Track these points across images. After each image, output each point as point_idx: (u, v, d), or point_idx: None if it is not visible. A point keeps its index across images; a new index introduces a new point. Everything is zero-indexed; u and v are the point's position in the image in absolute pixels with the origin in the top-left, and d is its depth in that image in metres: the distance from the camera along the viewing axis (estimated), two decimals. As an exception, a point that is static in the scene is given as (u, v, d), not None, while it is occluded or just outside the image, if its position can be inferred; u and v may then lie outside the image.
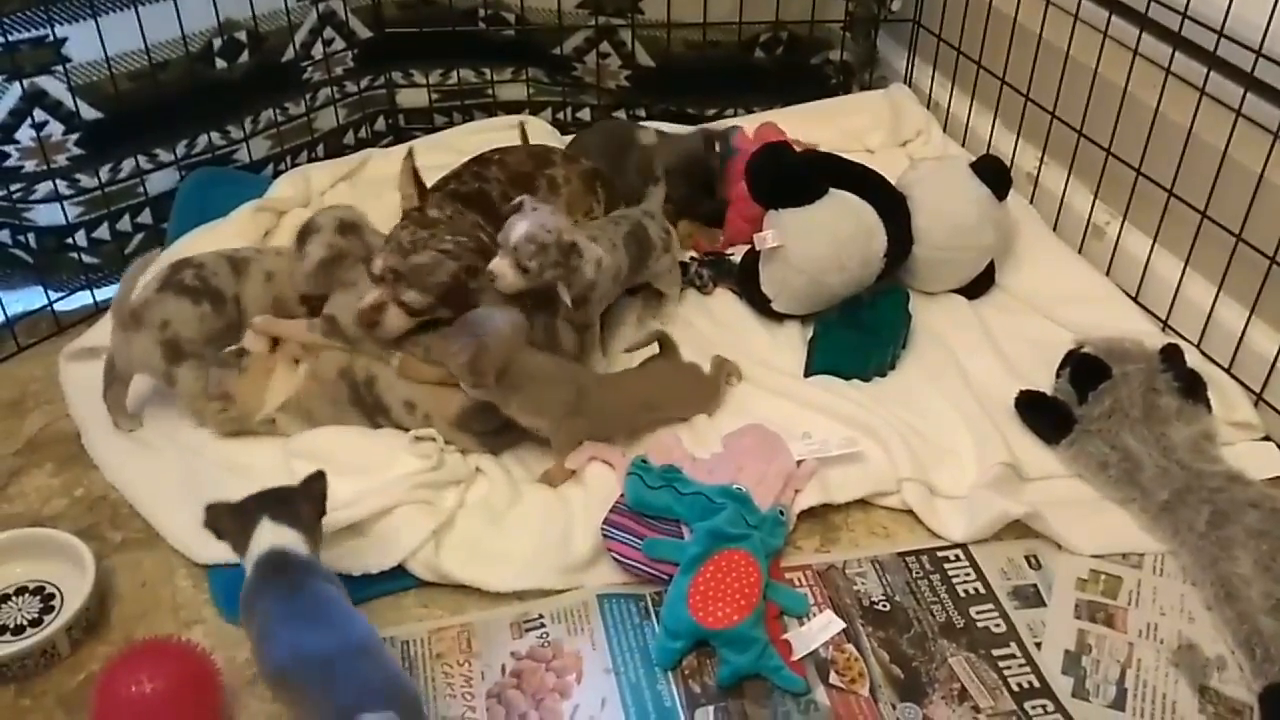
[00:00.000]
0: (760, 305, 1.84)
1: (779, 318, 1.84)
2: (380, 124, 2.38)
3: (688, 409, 1.66)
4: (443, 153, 2.20)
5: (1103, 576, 1.45)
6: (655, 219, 1.81)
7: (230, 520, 1.29)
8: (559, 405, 1.54)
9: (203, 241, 1.94)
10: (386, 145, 2.35)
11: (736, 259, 1.93)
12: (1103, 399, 1.58)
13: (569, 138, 2.21)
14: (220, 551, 1.41)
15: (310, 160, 2.24)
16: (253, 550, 1.25)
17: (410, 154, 1.82)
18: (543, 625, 1.39)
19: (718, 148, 2.03)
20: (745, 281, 1.87)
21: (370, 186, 2.17)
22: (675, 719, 1.28)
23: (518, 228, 1.57)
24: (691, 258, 1.96)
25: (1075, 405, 1.61)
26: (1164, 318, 1.81)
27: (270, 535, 1.25)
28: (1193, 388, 1.60)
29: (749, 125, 2.15)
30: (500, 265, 1.57)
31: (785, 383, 1.72)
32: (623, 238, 1.74)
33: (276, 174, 2.16)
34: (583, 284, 1.61)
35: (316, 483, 1.34)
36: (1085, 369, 1.61)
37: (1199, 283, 1.76)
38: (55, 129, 1.84)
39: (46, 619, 1.37)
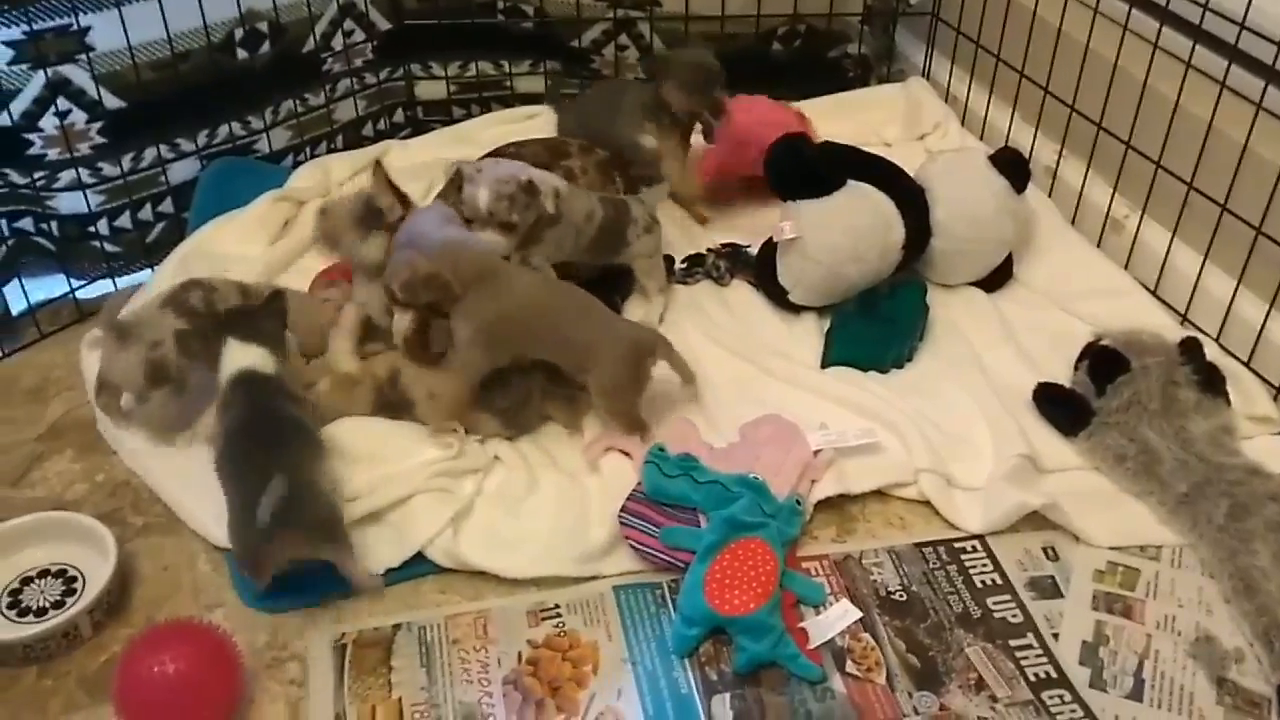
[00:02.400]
0: (777, 297, 1.84)
1: (796, 309, 1.84)
2: (399, 116, 2.39)
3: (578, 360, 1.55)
4: (461, 145, 2.22)
5: (1120, 568, 1.45)
6: (644, 205, 1.79)
7: (201, 344, 1.50)
8: (473, 315, 1.51)
9: (223, 231, 1.96)
10: (405, 137, 2.35)
11: (754, 251, 1.93)
12: (1121, 392, 1.57)
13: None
14: (241, 536, 1.44)
15: (329, 151, 2.25)
16: (224, 369, 1.45)
17: (379, 164, 1.73)
18: (559, 615, 1.39)
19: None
20: (762, 273, 1.87)
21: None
22: (692, 706, 1.29)
23: (480, 197, 1.57)
24: (708, 250, 1.96)
25: (1093, 398, 1.60)
26: (1183, 311, 1.81)
27: (238, 355, 1.44)
28: (1212, 381, 1.60)
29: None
30: (487, 238, 1.59)
31: (802, 374, 1.72)
32: (599, 198, 1.74)
33: (296, 164, 2.18)
34: (522, 228, 1.59)
35: (275, 301, 1.53)
36: (1104, 362, 1.61)
37: (1218, 276, 1.75)
38: (78, 117, 1.86)
39: (69, 601, 1.39)
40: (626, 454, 1.56)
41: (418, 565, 1.45)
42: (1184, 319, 1.80)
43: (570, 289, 1.59)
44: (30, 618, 1.37)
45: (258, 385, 1.45)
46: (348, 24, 2.20)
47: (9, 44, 1.76)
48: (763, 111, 2.06)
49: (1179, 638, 1.37)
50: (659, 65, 1.96)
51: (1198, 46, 1.73)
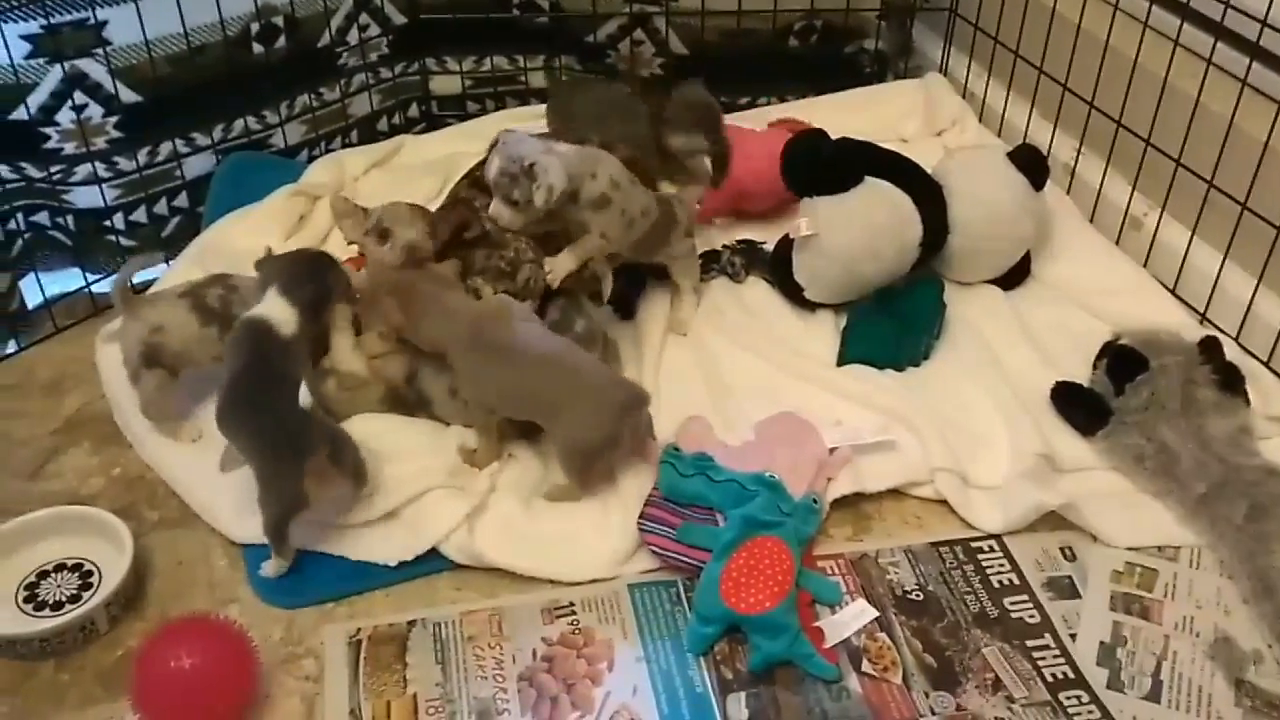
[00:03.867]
0: (793, 294, 1.84)
1: (812, 306, 1.83)
2: (413, 111, 2.39)
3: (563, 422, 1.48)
4: (475, 140, 2.20)
5: (1138, 569, 1.44)
6: (682, 204, 1.78)
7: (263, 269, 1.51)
8: (457, 362, 1.50)
9: (238, 225, 1.96)
10: (420, 132, 2.36)
11: (769, 247, 1.92)
12: (1140, 391, 1.57)
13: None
14: (256, 531, 1.43)
15: (344, 146, 2.25)
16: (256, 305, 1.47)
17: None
18: (574, 612, 1.39)
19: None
20: (778, 270, 1.86)
21: (403, 173, 2.18)
22: (707, 705, 1.28)
23: (491, 166, 1.55)
24: (724, 246, 1.96)
25: (1112, 397, 1.60)
26: (1202, 310, 1.80)
27: (267, 304, 1.46)
28: (1231, 381, 1.59)
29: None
30: (495, 208, 1.56)
31: (818, 371, 1.71)
32: (655, 196, 1.71)
33: (311, 159, 2.18)
34: (533, 211, 1.54)
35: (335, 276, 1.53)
36: (1122, 361, 1.60)
37: (1238, 275, 1.74)
38: (95, 111, 1.86)
39: (85, 595, 1.39)
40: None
41: (433, 561, 1.45)
42: (1203, 318, 1.79)
43: (560, 352, 1.50)
44: (47, 612, 1.38)
45: (265, 339, 1.44)
46: (363, 18, 2.20)
47: (26, 38, 1.76)
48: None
49: (1197, 639, 1.36)
50: (654, 108, 1.84)
51: (1219, 44, 1.72)
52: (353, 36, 2.20)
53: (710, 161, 1.82)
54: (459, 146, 2.21)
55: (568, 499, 1.51)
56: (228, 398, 1.41)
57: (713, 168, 1.83)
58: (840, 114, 2.20)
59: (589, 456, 1.48)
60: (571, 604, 1.40)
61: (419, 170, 2.16)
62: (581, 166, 1.57)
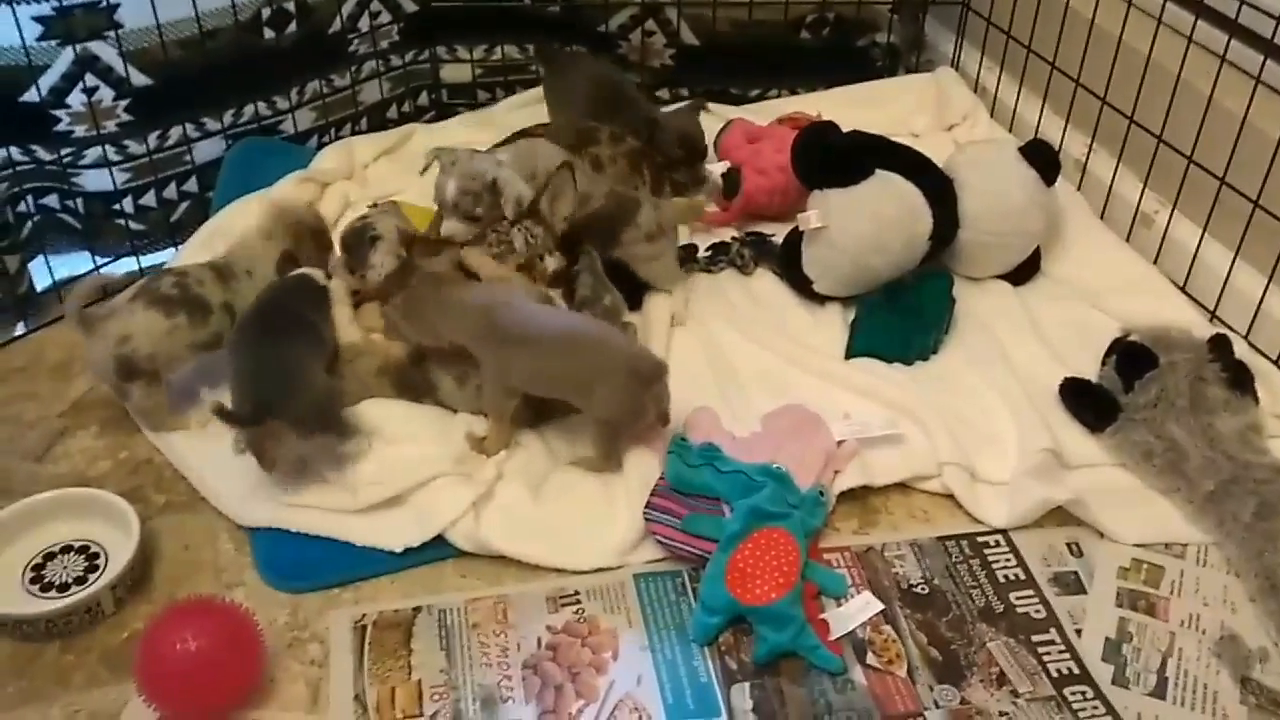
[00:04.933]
0: (802, 286, 1.83)
1: (820, 299, 1.83)
2: (423, 99, 2.38)
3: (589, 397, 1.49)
4: (485, 129, 2.21)
5: (1145, 565, 1.44)
6: (658, 209, 1.78)
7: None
8: (482, 357, 1.52)
9: (247, 211, 1.96)
10: (429, 120, 2.35)
11: (778, 239, 1.92)
12: (1149, 388, 1.56)
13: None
14: (263, 515, 1.43)
15: (354, 133, 2.25)
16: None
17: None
18: (579, 601, 1.39)
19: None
20: (787, 262, 1.86)
21: (413, 161, 2.16)
22: (712, 695, 1.28)
23: (449, 188, 1.66)
24: (733, 237, 1.95)
25: (1121, 394, 1.59)
26: (1212, 308, 1.79)
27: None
28: (1240, 379, 1.58)
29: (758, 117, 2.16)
30: (450, 226, 1.66)
31: (825, 364, 1.71)
32: (609, 191, 1.76)
33: (321, 146, 2.17)
34: (489, 221, 1.66)
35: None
36: (1132, 357, 1.60)
37: (1248, 273, 1.74)
38: (106, 94, 1.86)
39: (91, 577, 1.39)
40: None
41: (438, 548, 1.45)
42: (1213, 316, 1.79)
43: (583, 327, 1.54)
44: (53, 593, 1.38)
45: (293, 285, 1.59)
46: (374, 5, 2.20)
47: (38, 19, 1.76)
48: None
49: (1203, 636, 1.36)
50: (646, 128, 1.98)
51: (1233, 41, 1.71)
52: (364, 23, 2.19)
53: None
54: (469, 135, 2.21)
55: (596, 469, 1.52)
56: (236, 330, 1.53)
57: (723, 191, 1.95)
58: (851, 107, 2.20)
59: (618, 428, 1.50)
60: (577, 593, 1.40)
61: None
62: (525, 170, 1.70)
